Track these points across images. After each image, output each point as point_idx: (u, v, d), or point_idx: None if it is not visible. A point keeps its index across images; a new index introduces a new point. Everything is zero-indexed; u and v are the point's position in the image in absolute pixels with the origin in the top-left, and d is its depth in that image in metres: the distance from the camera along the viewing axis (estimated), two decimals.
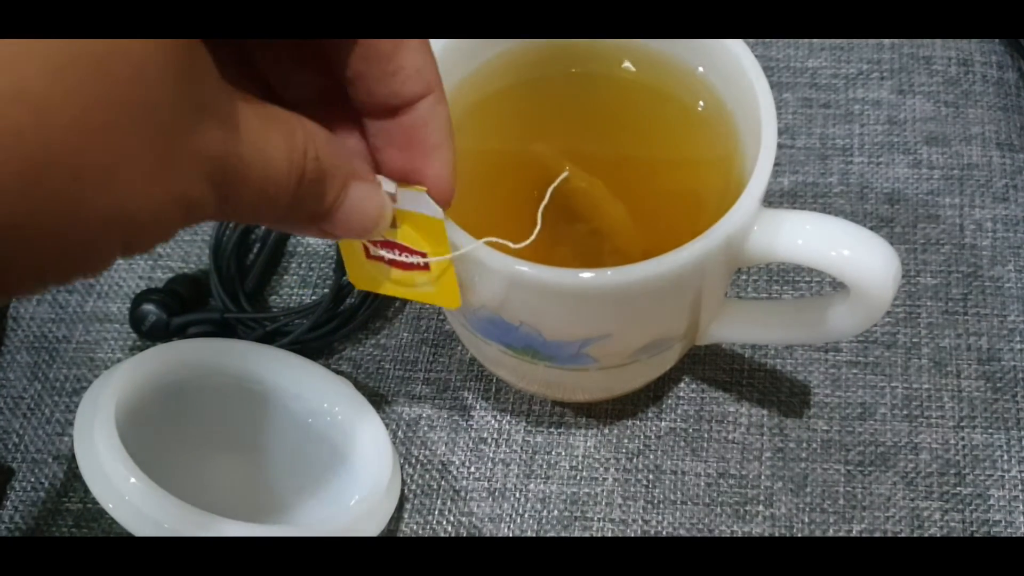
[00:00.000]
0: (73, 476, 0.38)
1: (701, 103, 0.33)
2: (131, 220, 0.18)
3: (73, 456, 0.38)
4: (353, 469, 0.36)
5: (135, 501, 0.30)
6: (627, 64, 0.34)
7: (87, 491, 0.38)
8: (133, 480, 0.31)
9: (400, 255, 0.28)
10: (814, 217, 0.29)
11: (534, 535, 0.36)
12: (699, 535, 0.36)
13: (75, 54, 0.16)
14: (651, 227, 0.33)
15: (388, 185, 0.25)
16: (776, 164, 0.30)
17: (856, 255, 0.28)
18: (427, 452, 0.38)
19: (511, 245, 0.28)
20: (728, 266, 0.30)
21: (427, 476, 0.38)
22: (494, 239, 0.27)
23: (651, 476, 0.37)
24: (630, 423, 0.38)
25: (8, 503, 0.38)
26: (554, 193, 0.33)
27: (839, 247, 0.28)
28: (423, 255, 0.28)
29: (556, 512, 0.37)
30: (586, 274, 0.27)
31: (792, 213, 0.29)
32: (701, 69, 0.33)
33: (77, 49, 0.16)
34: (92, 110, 0.17)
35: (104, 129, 0.17)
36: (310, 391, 0.37)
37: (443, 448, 0.38)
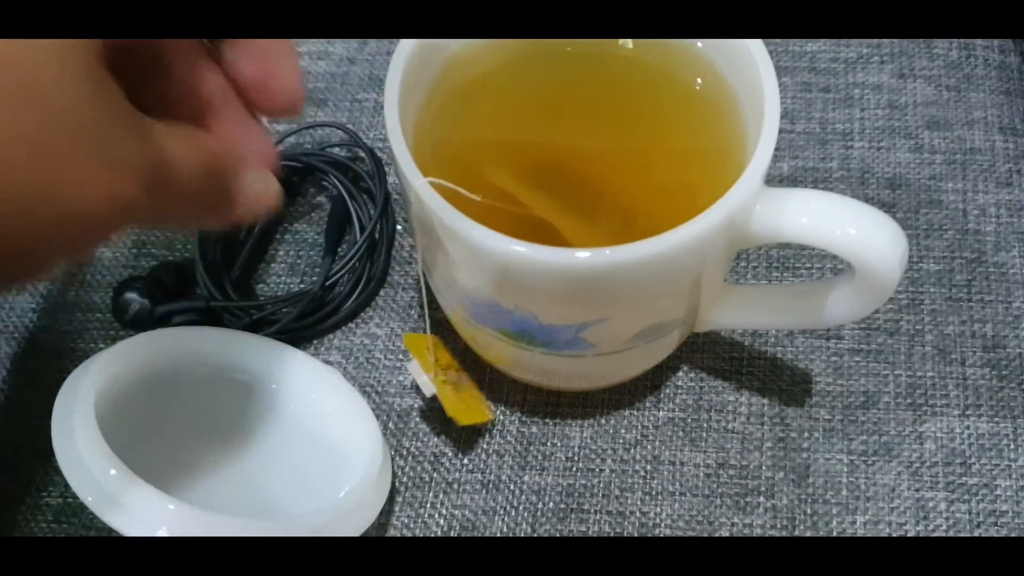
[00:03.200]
0: (53, 470, 0.37)
1: (699, 80, 0.32)
2: (73, 221, 0.22)
3: (53, 449, 0.37)
4: (342, 460, 0.35)
5: (115, 494, 0.29)
6: (624, 41, 0.33)
7: (67, 486, 0.36)
8: (113, 472, 0.29)
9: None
10: (819, 195, 0.28)
11: (529, 527, 0.35)
12: (699, 527, 0.35)
13: (15, 91, 0.21)
14: (650, 207, 0.32)
15: (427, 388, 0.35)
16: (775, 149, 0.29)
17: (863, 234, 0.27)
18: (419, 444, 0.37)
19: (450, 186, 0.29)
20: (730, 247, 0.29)
21: (419, 468, 0.36)
22: (439, 181, 0.28)
23: (649, 467, 0.36)
24: (627, 413, 0.37)
25: None
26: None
27: (845, 226, 0.27)
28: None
29: (552, 504, 0.36)
30: (583, 254, 0.26)
31: (796, 191, 0.28)
32: (700, 45, 0.32)
33: (17, 86, 0.21)
34: (38, 138, 0.21)
35: (47, 152, 0.21)
36: (298, 381, 0.36)
37: (435, 439, 0.37)
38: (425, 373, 0.34)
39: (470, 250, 0.27)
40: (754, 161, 0.27)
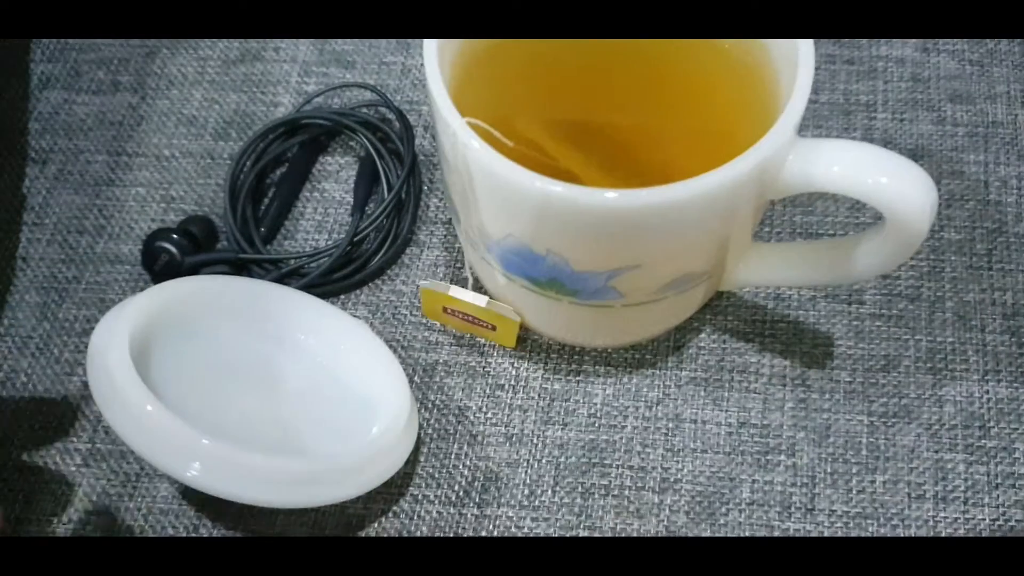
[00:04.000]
0: (81, 416, 0.38)
1: None
2: None
3: (82, 396, 0.38)
4: (370, 409, 0.35)
5: (151, 429, 0.30)
6: None
7: (95, 430, 0.37)
8: (149, 407, 0.30)
9: (473, 321, 0.37)
10: (851, 144, 0.29)
11: (552, 479, 0.35)
12: (719, 483, 0.35)
13: None
14: (678, 163, 0.32)
15: (479, 300, 0.36)
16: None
17: (894, 183, 0.28)
18: (444, 397, 0.37)
19: (487, 128, 0.28)
20: (761, 195, 0.30)
21: (444, 421, 0.37)
22: (477, 121, 0.28)
23: (671, 424, 0.37)
24: (649, 372, 0.38)
25: (16, 442, 0.37)
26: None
27: (876, 174, 0.28)
28: (493, 327, 0.37)
29: (574, 458, 0.36)
30: (617, 194, 0.27)
31: (829, 141, 0.29)
32: None
33: None
34: None
35: None
36: (327, 332, 0.37)
37: (460, 394, 0.37)
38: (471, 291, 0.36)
39: (508, 189, 0.28)
40: (788, 108, 0.28)
